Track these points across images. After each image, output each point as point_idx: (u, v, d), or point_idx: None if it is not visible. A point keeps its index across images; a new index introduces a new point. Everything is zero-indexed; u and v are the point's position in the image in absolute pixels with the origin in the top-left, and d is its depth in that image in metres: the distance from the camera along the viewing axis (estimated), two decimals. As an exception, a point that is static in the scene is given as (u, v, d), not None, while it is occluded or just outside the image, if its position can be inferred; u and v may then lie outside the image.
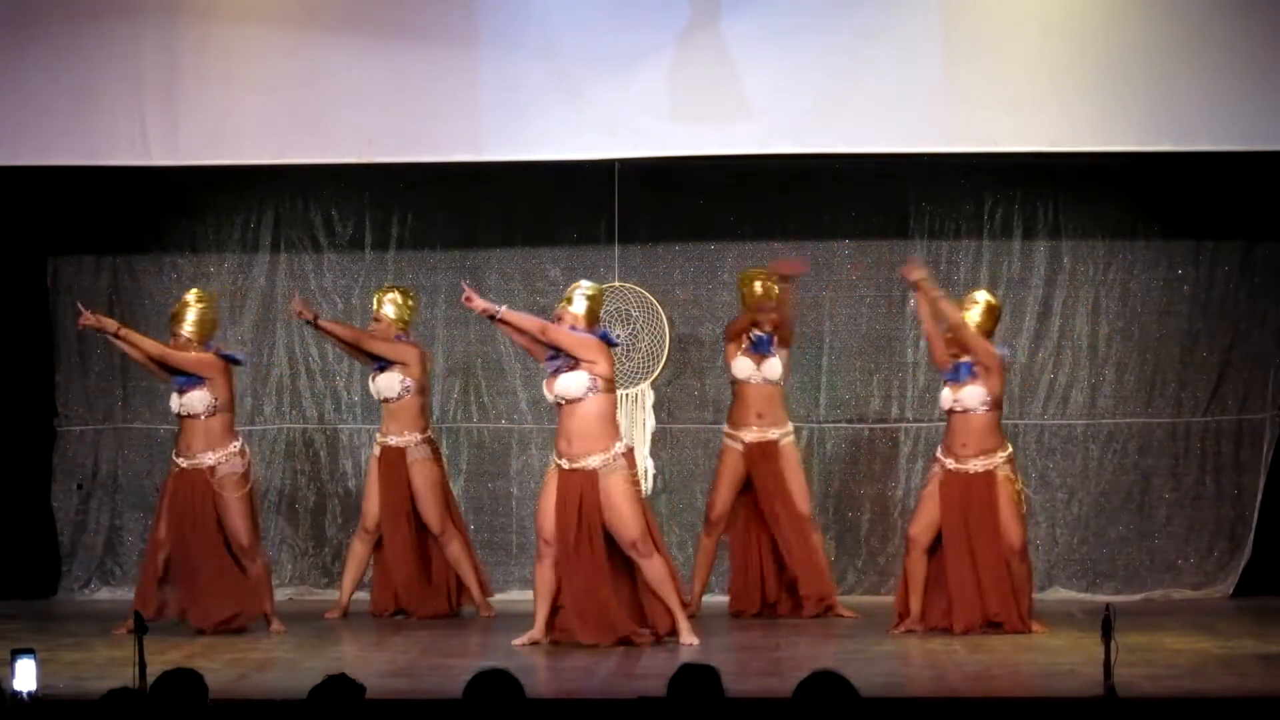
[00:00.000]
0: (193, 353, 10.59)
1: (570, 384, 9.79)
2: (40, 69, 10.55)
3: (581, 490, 9.74)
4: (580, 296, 10.04)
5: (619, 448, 9.84)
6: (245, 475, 10.61)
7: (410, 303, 11.30)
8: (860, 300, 12.22)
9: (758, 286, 11.07)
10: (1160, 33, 10.40)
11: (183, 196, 12.23)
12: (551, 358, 9.90)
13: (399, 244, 12.36)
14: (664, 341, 11.87)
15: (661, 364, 11.87)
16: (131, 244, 12.41)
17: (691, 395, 12.23)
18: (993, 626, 10.13)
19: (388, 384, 11.10)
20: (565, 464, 9.81)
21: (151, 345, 10.65)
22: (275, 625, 10.57)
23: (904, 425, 12.15)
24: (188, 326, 10.64)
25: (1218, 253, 12.08)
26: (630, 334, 11.80)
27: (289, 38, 10.63)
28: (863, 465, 12.18)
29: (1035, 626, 10.16)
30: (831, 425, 11.87)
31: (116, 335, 10.63)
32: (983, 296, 10.51)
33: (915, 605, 10.31)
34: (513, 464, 12.09)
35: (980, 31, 10.49)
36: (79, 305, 10.92)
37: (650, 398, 11.82)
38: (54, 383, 12.44)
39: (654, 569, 9.77)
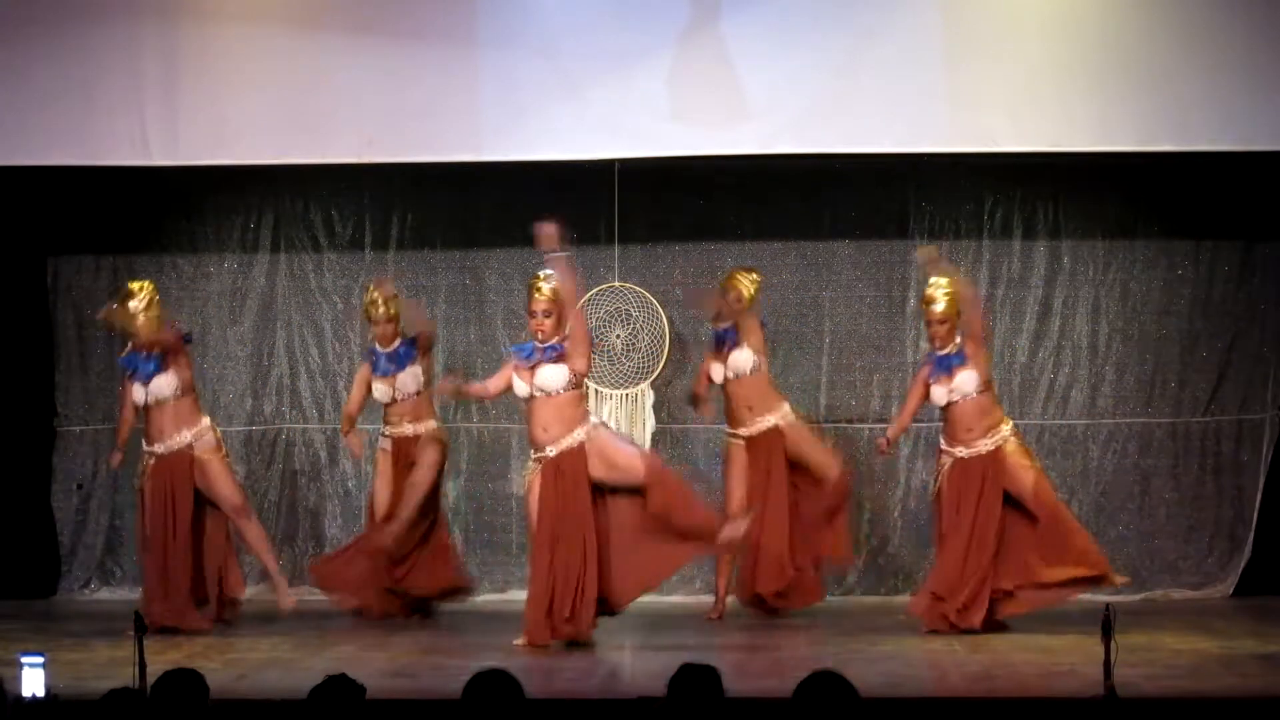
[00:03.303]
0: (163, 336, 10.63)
1: (552, 377, 9.81)
2: (40, 69, 10.56)
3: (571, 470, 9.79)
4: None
5: (593, 420, 9.93)
6: (220, 443, 10.66)
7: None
8: (860, 300, 12.22)
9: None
10: (1160, 33, 10.40)
11: (183, 196, 12.22)
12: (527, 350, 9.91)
13: (399, 244, 12.36)
14: (664, 341, 11.88)
15: (661, 364, 11.87)
16: (131, 244, 12.41)
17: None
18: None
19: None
20: (551, 452, 9.83)
21: None
22: (284, 600, 10.58)
23: (904, 425, 12.15)
24: (143, 320, 10.57)
25: (1218, 253, 12.08)
26: (630, 334, 11.80)
27: (289, 38, 10.63)
28: (863, 465, 12.17)
29: (1116, 575, 10.16)
30: (831, 425, 11.87)
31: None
32: (940, 291, 10.37)
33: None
34: (513, 464, 12.08)
35: (980, 31, 10.50)
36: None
37: (650, 398, 11.84)
38: (54, 383, 12.44)
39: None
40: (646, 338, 11.86)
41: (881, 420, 12.16)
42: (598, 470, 9.83)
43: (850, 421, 12.11)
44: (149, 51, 10.59)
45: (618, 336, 11.51)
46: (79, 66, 10.57)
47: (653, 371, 11.80)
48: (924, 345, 12.14)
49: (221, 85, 10.59)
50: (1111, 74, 10.41)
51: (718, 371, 11.03)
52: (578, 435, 9.81)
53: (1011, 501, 10.31)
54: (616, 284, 11.92)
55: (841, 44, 10.49)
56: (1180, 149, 10.55)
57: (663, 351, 11.87)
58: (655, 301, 11.88)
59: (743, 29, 10.51)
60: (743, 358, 10.98)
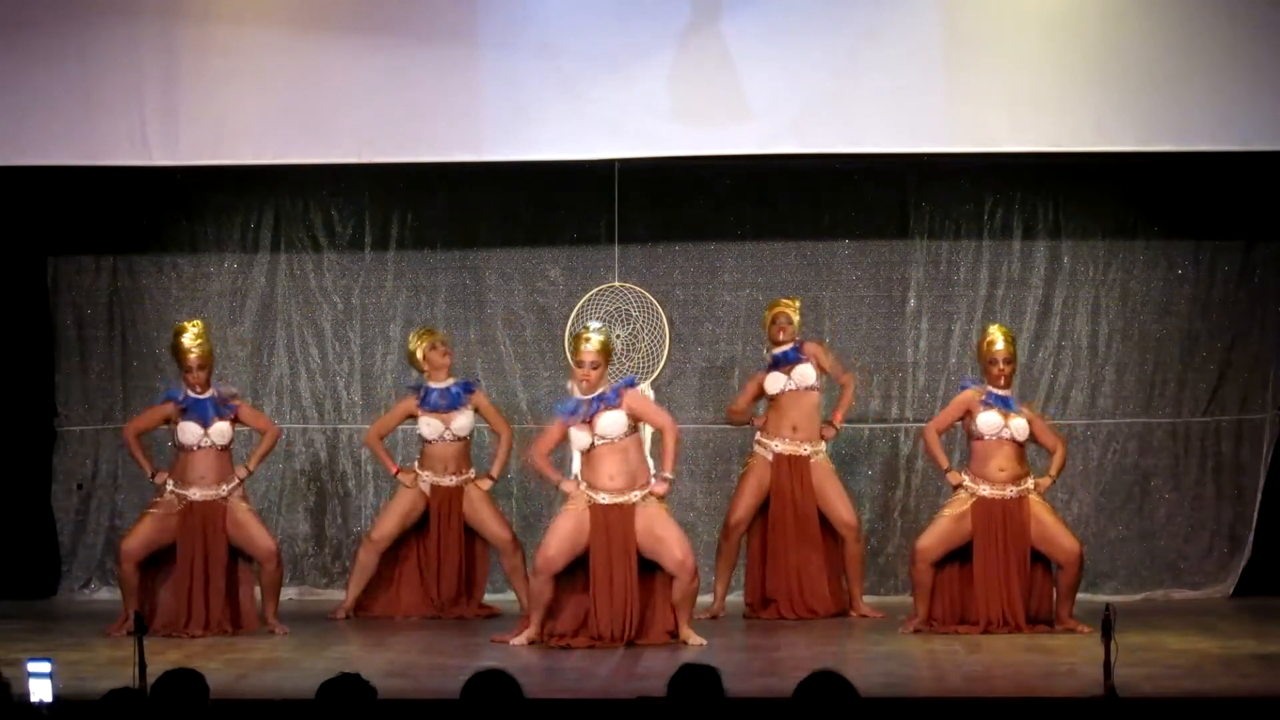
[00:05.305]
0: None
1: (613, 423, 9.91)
2: (40, 69, 10.55)
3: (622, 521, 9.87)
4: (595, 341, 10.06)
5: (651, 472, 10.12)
6: (246, 494, 10.74)
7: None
8: (860, 300, 12.22)
9: (772, 314, 11.16)
10: (1160, 33, 10.40)
11: (183, 196, 12.23)
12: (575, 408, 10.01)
13: (399, 244, 12.37)
14: (664, 341, 11.88)
15: (661, 364, 11.87)
16: (131, 244, 12.41)
17: (691, 395, 12.23)
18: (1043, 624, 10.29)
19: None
20: (604, 499, 9.89)
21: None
22: (278, 627, 10.57)
23: (904, 425, 12.15)
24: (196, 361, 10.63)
25: (1218, 253, 12.08)
26: (630, 334, 11.80)
27: (289, 38, 10.63)
28: (863, 465, 12.17)
29: (1082, 627, 10.18)
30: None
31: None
32: (998, 336, 10.54)
33: (922, 609, 10.37)
34: (513, 464, 12.08)
35: (980, 31, 10.50)
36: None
37: (650, 397, 11.82)
38: (54, 383, 12.44)
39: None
40: (646, 338, 11.86)
41: (881, 420, 12.16)
42: (644, 539, 9.89)
43: (850, 422, 12.09)
44: (149, 51, 10.58)
45: (618, 336, 11.50)
46: (79, 66, 10.56)
47: (653, 371, 11.80)
48: (924, 345, 12.17)
49: (221, 85, 10.59)
50: (1111, 74, 10.40)
51: (777, 382, 11.06)
52: (634, 496, 9.88)
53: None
54: (616, 284, 11.92)
55: (841, 44, 10.49)
56: (1180, 149, 10.55)
57: (663, 351, 11.87)
58: (655, 301, 11.87)
59: (743, 29, 10.50)
60: (807, 372, 11.06)
